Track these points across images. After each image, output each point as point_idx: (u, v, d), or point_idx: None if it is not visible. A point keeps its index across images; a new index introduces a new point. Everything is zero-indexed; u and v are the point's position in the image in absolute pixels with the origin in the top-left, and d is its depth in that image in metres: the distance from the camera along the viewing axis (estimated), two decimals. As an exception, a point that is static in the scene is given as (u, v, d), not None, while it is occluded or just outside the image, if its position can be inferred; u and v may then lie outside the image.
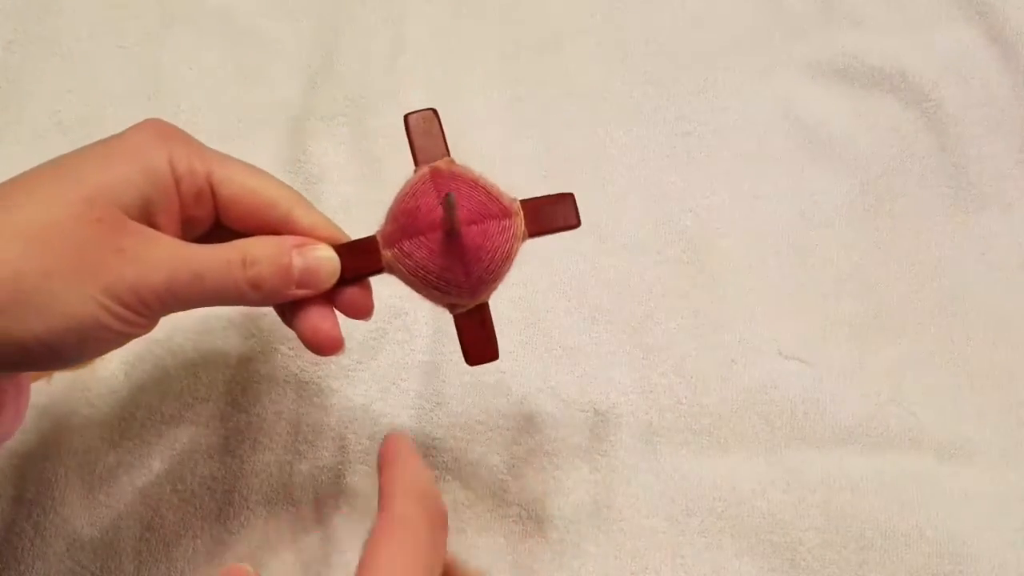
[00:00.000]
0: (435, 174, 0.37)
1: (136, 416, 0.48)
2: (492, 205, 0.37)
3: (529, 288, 0.52)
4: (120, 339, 0.34)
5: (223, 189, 0.37)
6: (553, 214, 0.38)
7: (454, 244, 0.36)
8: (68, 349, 0.33)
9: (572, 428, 0.49)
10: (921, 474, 0.48)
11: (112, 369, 0.49)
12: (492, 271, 0.37)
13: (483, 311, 0.39)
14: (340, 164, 0.55)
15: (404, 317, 0.51)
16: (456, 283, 0.36)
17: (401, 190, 0.38)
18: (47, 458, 0.47)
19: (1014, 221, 0.54)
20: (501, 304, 0.52)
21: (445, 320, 0.51)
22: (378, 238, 0.38)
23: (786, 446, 0.48)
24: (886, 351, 0.51)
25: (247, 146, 0.56)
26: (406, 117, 0.39)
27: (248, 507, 0.46)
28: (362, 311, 0.39)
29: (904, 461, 0.48)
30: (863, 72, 0.58)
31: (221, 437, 0.48)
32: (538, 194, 0.39)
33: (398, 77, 0.58)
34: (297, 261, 0.36)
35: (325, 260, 0.37)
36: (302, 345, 0.38)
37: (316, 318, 0.37)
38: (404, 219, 0.37)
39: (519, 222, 0.37)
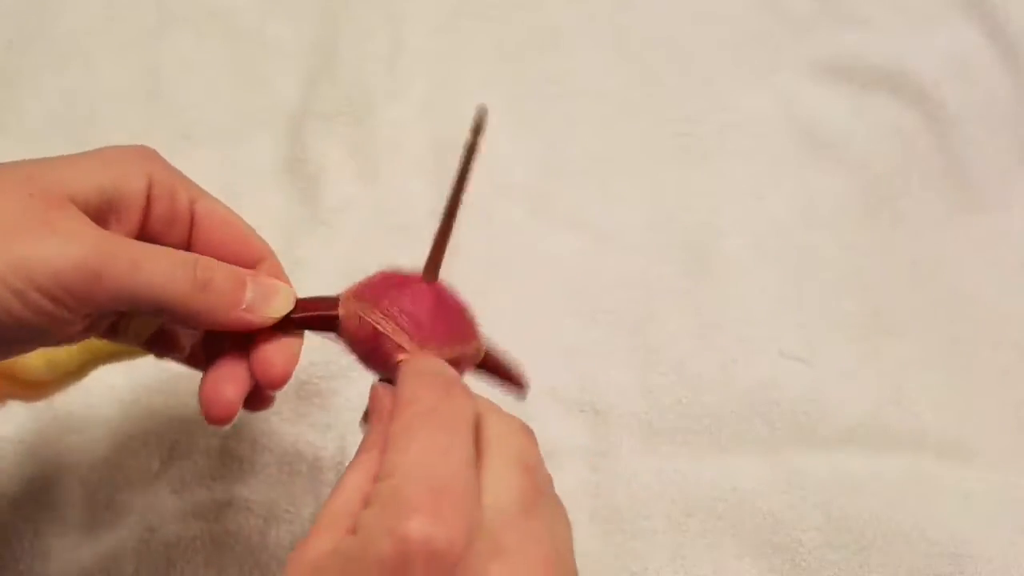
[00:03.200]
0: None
1: (135, 416, 0.48)
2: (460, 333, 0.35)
3: (529, 288, 0.52)
4: (45, 332, 0.30)
5: (204, 219, 0.34)
6: (502, 377, 0.38)
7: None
8: None
9: (572, 428, 0.49)
10: (921, 474, 0.48)
11: (111, 369, 0.49)
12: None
13: None
14: (340, 164, 0.55)
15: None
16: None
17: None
18: (46, 459, 0.47)
19: (1014, 221, 0.54)
20: (501, 303, 0.52)
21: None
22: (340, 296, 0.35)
23: (786, 446, 0.48)
24: (886, 351, 0.51)
25: (247, 146, 0.56)
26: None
27: (248, 507, 0.46)
28: (283, 370, 0.34)
29: (905, 461, 0.48)
30: (864, 72, 0.58)
31: (221, 438, 0.48)
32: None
33: (398, 77, 0.58)
34: (250, 284, 0.33)
35: (280, 288, 0.34)
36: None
37: (222, 378, 0.34)
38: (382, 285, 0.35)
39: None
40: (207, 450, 0.47)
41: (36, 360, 0.40)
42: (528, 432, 0.31)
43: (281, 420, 0.48)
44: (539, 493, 0.28)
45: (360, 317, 0.33)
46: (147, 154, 0.34)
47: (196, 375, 0.49)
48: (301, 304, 0.35)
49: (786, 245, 0.54)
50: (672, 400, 0.49)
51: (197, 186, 0.35)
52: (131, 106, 0.56)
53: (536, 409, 0.49)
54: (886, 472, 0.47)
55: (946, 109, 0.57)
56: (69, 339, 0.32)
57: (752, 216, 0.54)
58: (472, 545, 0.25)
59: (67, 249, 0.29)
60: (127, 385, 0.48)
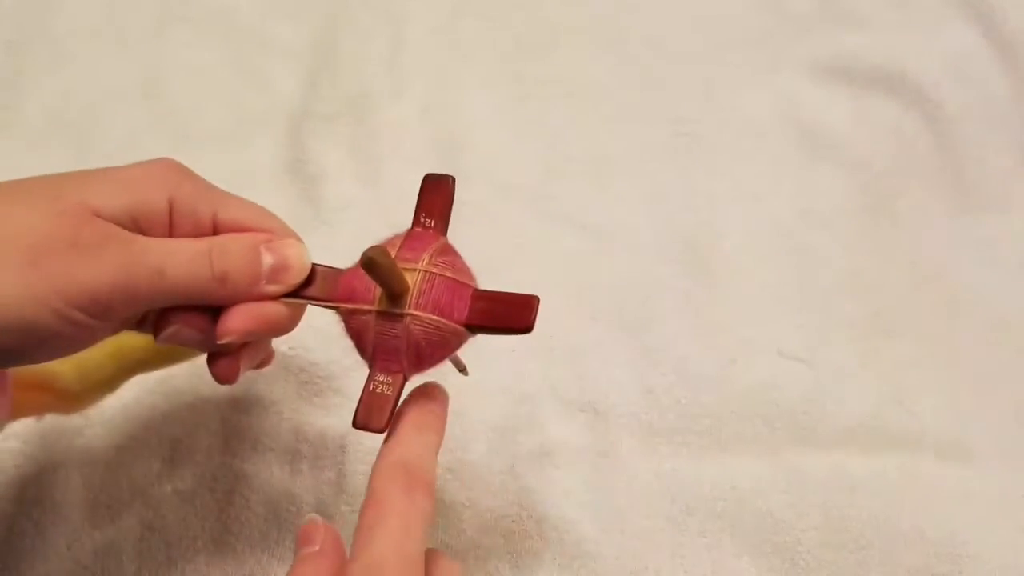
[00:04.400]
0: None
1: (137, 415, 0.48)
2: (450, 316, 0.35)
3: (529, 288, 0.52)
4: (80, 340, 0.32)
5: (224, 228, 0.36)
6: (509, 315, 0.36)
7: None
8: (20, 349, 0.31)
9: (572, 428, 0.49)
10: (921, 474, 0.48)
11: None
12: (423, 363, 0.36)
13: (401, 385, 0.36)
14: (340, 164, 0.55)
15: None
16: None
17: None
18: (48, 458, 0.47)
19: (1014, 221, 0.54)
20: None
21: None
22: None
23: (786, 446, 0.48)
24: (886, 351, 0.51)
25: (247, 146, 0.56)
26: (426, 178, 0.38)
27: (248, 507, 0.46)
28: (238, 326, 0.35)
29: (904, 461, 0.48)
30: (863, 72, 0.58)
31: (221, 437, 0.48)
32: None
33: (398, 77, 0.58)
34: (267, 257, 0.35)
35: (295, 255, 0.36)
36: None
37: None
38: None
39: (464, 338, 0.36)
40: (208, 450, 0.47)
41: (68, 372, 0.41)
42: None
43: (282, 420, 0.48)
44: None
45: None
46: (169, 171, 0.35)
47: (196, 375, 0.49)
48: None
49: (786, 245, 0.54)
50: (672, 400, 0.49)
51: (220, 193, 0.36)
52: (131, 106, 0.56)
53: (536, 409, 0.49)
54: (885, 472, 0.48)
55: (946, 109, 0.57)
56: (97, 341, 0.34)
57: (752, 216, 0.54)
58: None
59: (100, 270, 0.31)
60: (128, 385, 0.48)
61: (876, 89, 0.58)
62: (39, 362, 0.33)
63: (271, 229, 0.37)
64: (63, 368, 0.41)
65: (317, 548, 0.33)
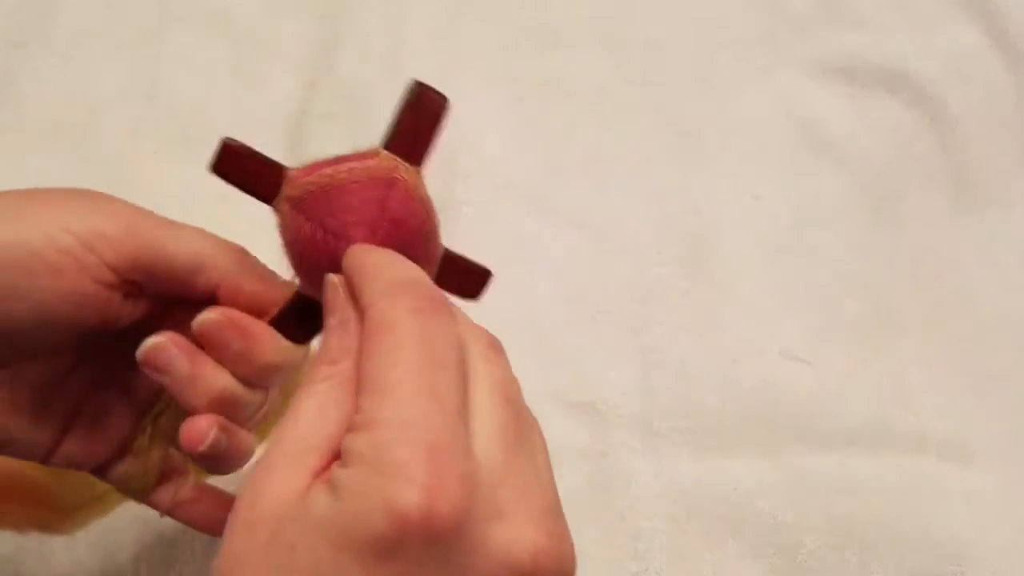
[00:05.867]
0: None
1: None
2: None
3: (529, 288, 0.52)
4: (90, 311, 0.29)
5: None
6: (460, 281, 0.33)
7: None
8: (22, 299, 0.28)
9: (572, 428, 0.48)
10: (923, 475, 0.47)
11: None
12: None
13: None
14: (340, 164, 0.55)
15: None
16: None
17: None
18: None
19: (1015, 221, 0.54)
20: (501, 303, 0.52)
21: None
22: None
23: (787, 447, 0.48)
24: (888, 351, 0.51)
25: (247, 146, 0.56)
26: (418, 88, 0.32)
27: (248, 507, 0.46)
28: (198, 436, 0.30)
29: (906, 462, 0.48)
30: (864, 72, 0.58)
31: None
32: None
33: (398, 77, 0.58)
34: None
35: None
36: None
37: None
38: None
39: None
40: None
41: (58, 484, 0.39)
42: (501, 349, 0.28)
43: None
44: (520, 424, 0.26)
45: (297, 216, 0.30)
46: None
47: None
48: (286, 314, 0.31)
49: (786, 245, 0.53)
50: (672, 400, 0.49)
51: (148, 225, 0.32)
52: (131, 106, 0.56)
53: (536, 409, 0.49)
54: (887, 473, 0.47)
55: (946, 109, 0.57)
56: (115, 320, 0.31)
57: (752, 216, 0.54)
58: (469, 510, 0.22)
59: (115, 220, 0.29)
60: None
61: (876, 89, 0.58)
62: (22, 330, 0.29)
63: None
64: (51, 480, 0.39)
65: (339, 366, 0.26)
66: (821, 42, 0.59)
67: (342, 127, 0.56)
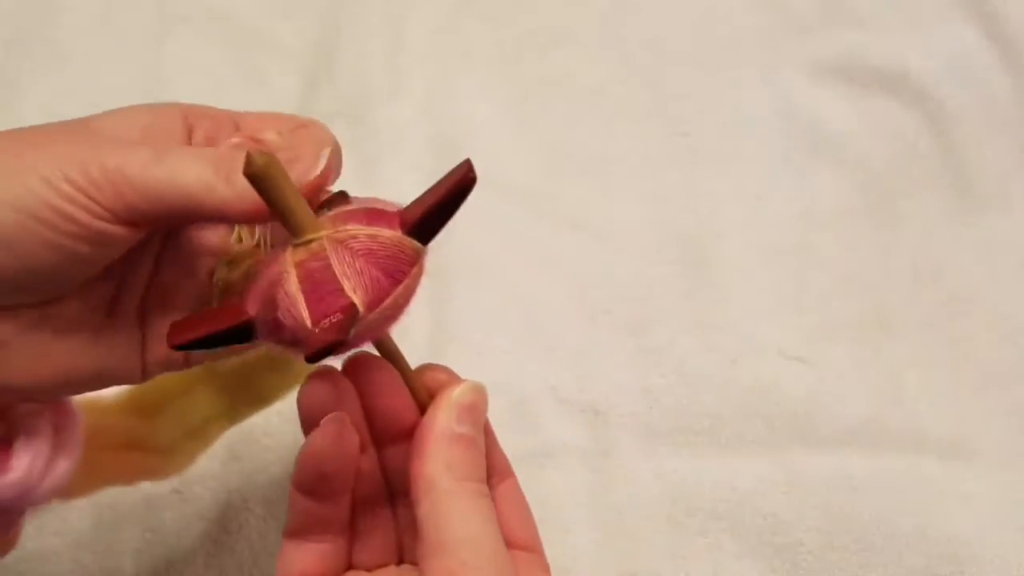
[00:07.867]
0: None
1: (136, 416, 0.48)
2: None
3: (529, 288, 0.52)
4: (82, 249, 0.29)
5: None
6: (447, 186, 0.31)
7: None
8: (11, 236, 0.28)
9: (572, 428, 0.49)
10: (922, 475, 0.47)
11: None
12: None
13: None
14: (340, 164, 0.55)
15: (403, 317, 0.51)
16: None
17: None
18: (47, 458, 0.47)
19: (1015, 221, 0.54)
20: (500, 303, 0.52)
21: (443, 318, 0.51)
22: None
23: (787, 447, 0.48)
24: (887, 351, 0.51)
25: (247, 146, 0.56)
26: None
27: (248, 507, 0.46)
28: None
29: (905, 462, 0.48)
30: (864, 72, 0.58)
31: (222, 438, 0.48)
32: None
33: (398, 77, 0.58)
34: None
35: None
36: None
37: None
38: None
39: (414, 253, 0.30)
40: (208, 450, 0.47)
41: (154, 426, 0.39)
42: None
43: (282, 420, 0.48)
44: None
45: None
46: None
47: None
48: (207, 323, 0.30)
49: (786, 245, 0.54)
50: (672, 400, 0.49)
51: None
52: (131, 106, 0.56)
53: (536, 409, 0.49)
54: (886, 472, 0.47)
55: (946, 109, 0.57)
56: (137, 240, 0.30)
57: (752, 216, 0.54)
58: None
59: (99, 146, 0.29)
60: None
61: (876, 89, 0.58)
62: (36, 280, 0.29)
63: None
64: (142, 423, 0.39)
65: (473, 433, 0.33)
66: (821, 42, 0.59)
67: (342, 127, 0.56)
